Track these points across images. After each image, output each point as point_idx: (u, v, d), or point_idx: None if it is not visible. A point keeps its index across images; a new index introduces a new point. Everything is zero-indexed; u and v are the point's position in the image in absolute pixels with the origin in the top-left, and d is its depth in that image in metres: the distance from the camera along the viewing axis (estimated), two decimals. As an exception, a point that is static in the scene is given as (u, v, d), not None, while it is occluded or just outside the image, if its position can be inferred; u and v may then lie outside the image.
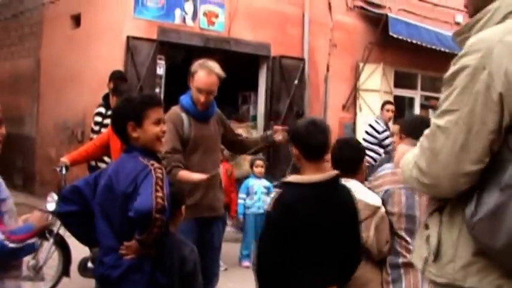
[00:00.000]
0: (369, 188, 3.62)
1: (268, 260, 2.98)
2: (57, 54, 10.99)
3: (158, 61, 9.73)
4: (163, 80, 9.88)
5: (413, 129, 3.48)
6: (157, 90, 9.71)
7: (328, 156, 3.41)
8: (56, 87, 10.95)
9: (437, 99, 13.28)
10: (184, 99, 4.16)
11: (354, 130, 11.60)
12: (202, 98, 4.05)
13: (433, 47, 11.61)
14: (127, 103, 3.13)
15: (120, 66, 9.45)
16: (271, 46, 10.62)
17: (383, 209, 3.48)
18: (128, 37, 9.40)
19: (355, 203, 3.16)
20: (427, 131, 2.00)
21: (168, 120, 3.52)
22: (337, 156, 3.63)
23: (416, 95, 12.99)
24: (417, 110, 12.99)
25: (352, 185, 3.39)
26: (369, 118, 11.61)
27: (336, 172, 3.15)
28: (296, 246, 2.98)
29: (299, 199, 3.00)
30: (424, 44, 11.41)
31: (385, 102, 9.54)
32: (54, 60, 11.13)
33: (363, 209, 3.34)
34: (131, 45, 9.43)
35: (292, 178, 3.13)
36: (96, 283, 3.40)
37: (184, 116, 4.08)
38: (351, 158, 3.63)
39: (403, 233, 3.52)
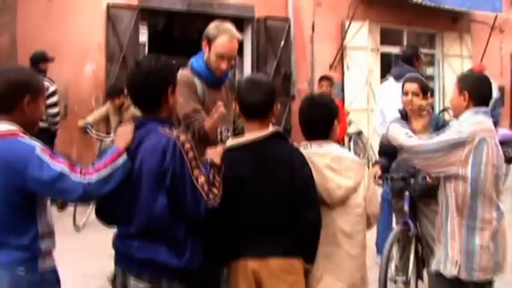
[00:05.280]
0: None
1: (216, 225, 2.86)
2: (34, 29, 10.59)
3: (140, 28, 9.44)
4: (146, 48, 9.61)
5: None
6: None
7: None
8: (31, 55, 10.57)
9: (424, 54, 13.18)
10: (196, 62, 3.85)
11: (342, 89, 11.42)
12: (223, 65, 3.77)
13: (419, 1, 11.44)
14: (165, 65, 2.86)
15: (100, 36, 9.22)
16: (255, 7, 10.34)
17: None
18: (108, 5, 9.11)
19: (300, 163, 2.98)
20: None
21: (181, 84, 3.29)
22: (306, 116, 3.27)
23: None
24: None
25: (335, 149, 3.22)
26: (357, 76, 11.49)
27: (271, 130, 2.99)
28: (238, 211, 2.90)
29: (232, 163, 2.88)
30: (410, 0, 11.24)
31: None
32: (31, 34, 10.73)
33: (358, 169, 3.20)
34: (111, 13, 9.15)
35: (228, 143, 3.05)
36: None
37: (196, 80, 3.80)
38: (322, 117, 3.24)
39: None
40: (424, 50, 13.20)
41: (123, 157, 2.69)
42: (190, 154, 2.72)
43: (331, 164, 3.14)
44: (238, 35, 3.85)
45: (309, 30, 11.10)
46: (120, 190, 2.72)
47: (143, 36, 9.53)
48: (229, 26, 3.83)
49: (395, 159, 4.65)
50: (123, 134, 2.80)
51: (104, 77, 9.24)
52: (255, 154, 2.94)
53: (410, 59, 6.57)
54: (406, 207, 4.56)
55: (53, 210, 2.88)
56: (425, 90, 4.71)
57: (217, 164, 2.83)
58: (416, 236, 4.57)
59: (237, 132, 3.90)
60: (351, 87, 11.47)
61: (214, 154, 2.89)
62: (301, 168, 2.97)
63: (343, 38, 11.39)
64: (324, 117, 3.25)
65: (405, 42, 12.84)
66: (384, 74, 12.08)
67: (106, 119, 7.95)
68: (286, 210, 2.93)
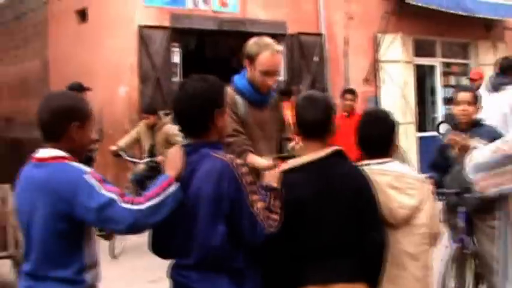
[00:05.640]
0: None
1: (275, 252, 2.68)
2: (65, 52, 10.63)
3: (172, 49, 9.38)
4: (179, 68, 9.52)
5: None
6: (174, 79, 9.35)
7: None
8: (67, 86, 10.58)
9: (457, 65, 12.98)
10: (239, 81, 3.72)
11: (377, 103, 11.23)
12: (270, 81, 3.64)
13: (451, 11, 11.22)
14: (212, 86, 2.69)
15: (133, 57, 9.16)
16: (287, 23, 10.23)
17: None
18: (140, 26, 9.06)
19: (363, 182, 2.81)
20: None
21: None
22: (365, 132, 3.10)
23: (437, 63, 12.61)
24: (438, 78, 12.62)
25: (397, 167, 3.04)
26: (392, 89, 11.29)
27: (332, 149, 2.80)
28: (298, 236, 2.71)
29: (291, 185, 2.71)
30: (442, 10, 11.03)
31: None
32: (62, 58, 10.78)
33: (421, 187, 3.03)
34: (143, 34, 9.10)
35: (286, 165, 2.86)
36: None
37: (239, 99, 3.67)
38: (382, 133, 3.08)
39: None
40: (457, 60, 13.03)
41: (174, 185, 2.54)
42: (247, 178, 2.56)
43: (394, 183, 2.98)
44: (279, 47, 3.72)
45: (342, 44, 10.96)
46: (176, 220, 2.56)
47: (176, 57, 9.47)
48: (269, 40, 3.69)
49: (447, 173, 4.45)
50: (172, 162, 2.63)
51: (137, 98, 9.20)
52: (315, 174, 2.76)
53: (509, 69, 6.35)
54: (461, 224, 4.37)
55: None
56: (478, 100, 4.52)
57: (275, 188, 2.68)
58: (474, 254, 4.38)
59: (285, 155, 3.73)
60: (386, 101, 11.25)
61: (271, 178, 2.73)
62: (365, 187, 2.80)
63: (376, 51, 11.21)
64: (384, 133, 3.09)
65: (438, 53, 12.64)
66: (419, 86, 11.90)
67: (138, 142, 7.85)
68: (349, 232, 2.74)
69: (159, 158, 7.29)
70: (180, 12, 9.37)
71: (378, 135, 3.07)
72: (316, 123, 2.81)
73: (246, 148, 3.53)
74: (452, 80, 13.05)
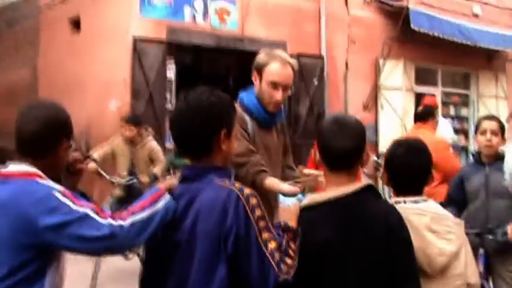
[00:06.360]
0: None
1: None
2: (56, 62, 10.26)
3: (167, 64, 9.00)
4: (173, 84, 9.15)
5: None
6: (167, 95, 8.99)
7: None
8: (56, 97, 10.07)
9: (458, 95, 12.68)
10: (246, 97, 3.31)
11: (376, 131, 10.88)
12: (278, 95, 3.21)
13: (454, 39, 10.97)
14: (220, 101, 2.28)
15: (126, 71, 8.78)
16: (287, 44, 9.89)
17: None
18: (135, 38, 8.66)
19: (398, 223, 2.34)
20: None
21: None
22: (400, 166, 2.65)
23: (437, 91, 12.32)
24: (439, 107, 12.31)
25: (434, 207, 2.62)
26: (392, 117, 10.95)
27: (363, 183, 2.36)
28: (319, 286, 2.25)
29: (311, 225, 2.28)
30: (445, 37, 10.76)
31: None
32: (53, 68, 10.40)
33: (459, 231, 2.60)
34: (138, 47, 8.70)
35: (307, 199, 2.40)
36: None
37: (247, 118, 3.25)
38: (420, 167, 2.65)
39: None
40: (458, 91, 12.77)
41: (165, 198, 2.15)
42: (258, 212, 2.13)
43: (432, 225, 2.54)
44: (292, 61, 3.30)
45: (343, 68, 10.63)
46: (169, 258, 2.16)
47: (171, 72, 9.09)
48: (281, 52, 3.29)
49: (465, 208, 4.09)
50: (165, 182, 2.27)
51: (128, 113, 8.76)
52: (342, 213, 2.30)
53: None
54: (481, 268, 3.94)
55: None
56: (503, 130, 4.12)
57: (293, 228, 2.23)
58: None
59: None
60: (385, 129, 10.91)
61: (288, 215, 2.29)
62: (400, 230, 2.34)
63: (377, 77, 10.90)
64: (422, 167, 2.66)
65: (440, 82, 12.38)
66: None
67: (112, 158, 6.82)
68: (380, 284, 2.28)
69: (143, 179, 6.78)
70: (177, 26, 9.01)
71: (417, 168, 2.64)
72: (346, 152, 2.35)
73: (262, 169, 3.06)
74: (452, 111, 12.77)
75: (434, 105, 7.66)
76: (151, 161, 6.81)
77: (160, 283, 2.22)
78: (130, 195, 6.68)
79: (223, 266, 2.08)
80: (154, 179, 6.58)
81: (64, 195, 2.07)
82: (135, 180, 6.67)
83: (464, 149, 12.40)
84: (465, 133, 12.85)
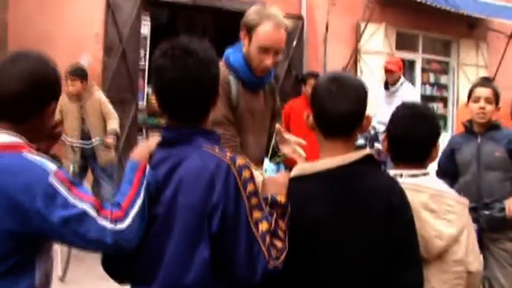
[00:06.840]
0: None
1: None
2: (27, 16, 9.86)
3: (142, 19, 8.73)
4: (148, 42, 8.86)
5: None
6: (141, 52, 8.71)
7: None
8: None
9: (438, 62, 12.54)
10: (233, 56, 3.00)
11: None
12: (268, 60, 2.91)
13: (438, 5, 10.76)
14: (215, 57, 2.04)
15: (98, 26, 8.49)
16: (267, 3, 9.62)
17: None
18: (108, -8, 8.34)
19: (401, 200, 2.10)
20: None
21: None
22: (403, 132, 2.36)
23: (418, 58, 12.16)
24: (418, 74, 12.18)
25: (434, 182, 2.36)
26: (371, 82, 10.78)
27: (362, 153, 2.09)
28: (310, 271, 2.01)
29: (302, 200, 2.02)
30: (428, 3, 10.56)
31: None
32: (23, 22, 9.99)
33: (461, 212, 2.32)
34: (111, 2, 8.43)
35: (295, 169, 2.11)
36: None
37: (232, 79, 2.96)
38: (426, 135, 2.37)
39: None
40: (439, 58, 12.63)
41: (147, 172, 1.86)
42: (251, 187, 1.87)
43: (430, 204, 2.26)
44: (286, 21, 3.00)
45: (323, 30, 10.38)
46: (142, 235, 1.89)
47: (145, 29, 8.84)
48: (274, 11, 2.99)
49: (456, 180, 3.93)
50: (139, 150, 1.96)
51: (100, 70, 8.50)
52: (337, 187, 2.04)
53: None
54: None
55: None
56: (498, 98, 3.91)
57: (282, 203, 1.95)
58: (484, 277, 3.80)
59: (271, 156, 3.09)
60: (363, 93, 10.77)
61: (276, 187, 2.00)
62: (403, 208, 2.08)
63: (357, 40, 10.70)
64: (429, 135, 2.39)
65: (420, 48, 12.22)
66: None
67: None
68: (378, 269, 2.03)
69: (108, 139, 6.20)
70: (153, -19, 8.70)
71: (422, 136, 2.36)
72: (344, 116, 2.07)
73: (233, 145, 2.79)
74: (431, 78, 12.64)
75: (396, 71, 7.53)
76: (103, 115, 6.29)
77: (127, 263, 1.93)
78: (91, 159, 6.35)
79: (205, 247, 1.83)
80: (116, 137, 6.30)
81: (59, 179, 1.78)
82: (100, 141, 6.19)
83: (443, 118, 12.32)
84: (444, 101, 12.76)
